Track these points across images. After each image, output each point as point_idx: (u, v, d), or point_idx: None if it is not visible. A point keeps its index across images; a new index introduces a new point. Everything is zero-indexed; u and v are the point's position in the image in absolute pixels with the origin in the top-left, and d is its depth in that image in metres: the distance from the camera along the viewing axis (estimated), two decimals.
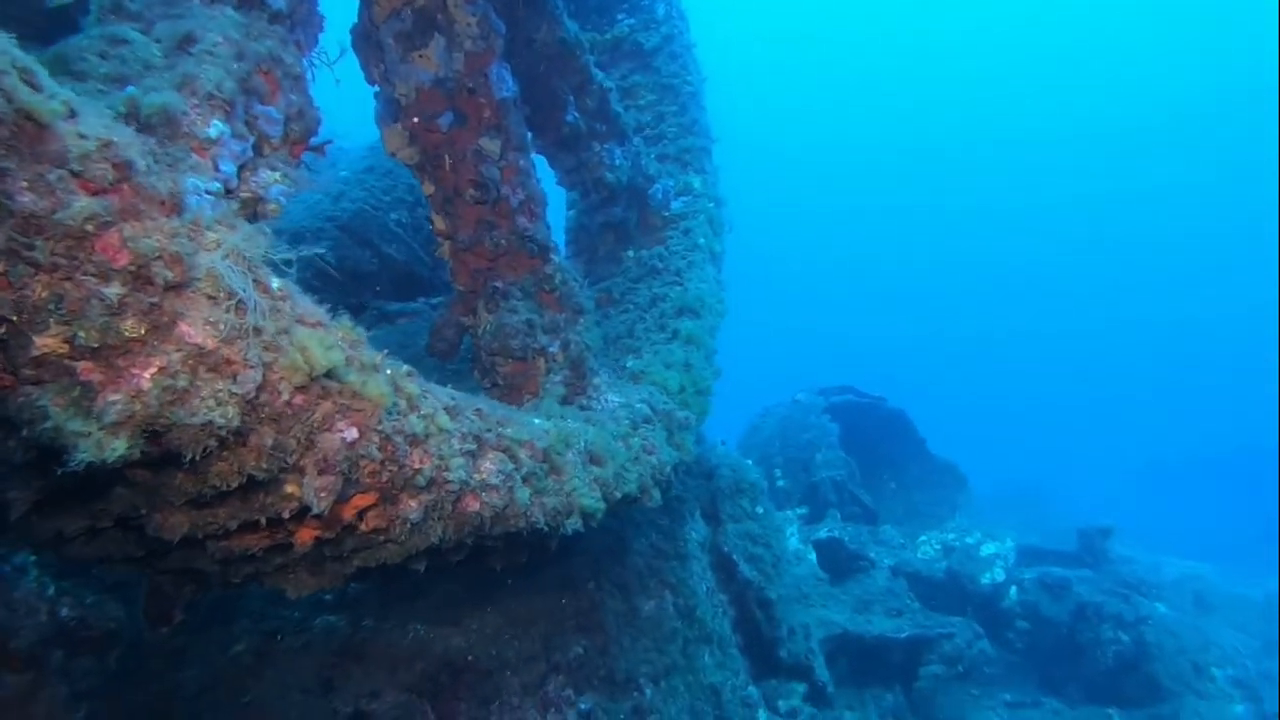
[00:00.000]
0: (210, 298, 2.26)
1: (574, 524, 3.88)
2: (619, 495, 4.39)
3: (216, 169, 2.79)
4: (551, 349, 5.29)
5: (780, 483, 13.98)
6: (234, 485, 2.51)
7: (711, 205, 7.53)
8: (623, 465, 4.49)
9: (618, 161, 7.23)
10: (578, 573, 6.28)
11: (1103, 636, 11.48)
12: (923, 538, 12.60)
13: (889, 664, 9.33)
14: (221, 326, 2.26)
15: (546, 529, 3.74)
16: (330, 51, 4.19)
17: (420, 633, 5.42)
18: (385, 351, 2.90)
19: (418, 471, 2.94)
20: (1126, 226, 73.15)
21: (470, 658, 5.47)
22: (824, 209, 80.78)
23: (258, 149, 3.21)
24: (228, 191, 2.93)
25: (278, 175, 3.10)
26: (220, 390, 2.25)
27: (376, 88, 5.10)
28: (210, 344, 2.23)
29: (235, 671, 5.20)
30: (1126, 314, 72.96)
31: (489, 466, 3.36)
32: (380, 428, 2.74)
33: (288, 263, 2.56)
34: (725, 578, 7.74)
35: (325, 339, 2.45)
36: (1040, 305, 76.43)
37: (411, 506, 3.00)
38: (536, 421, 3.98)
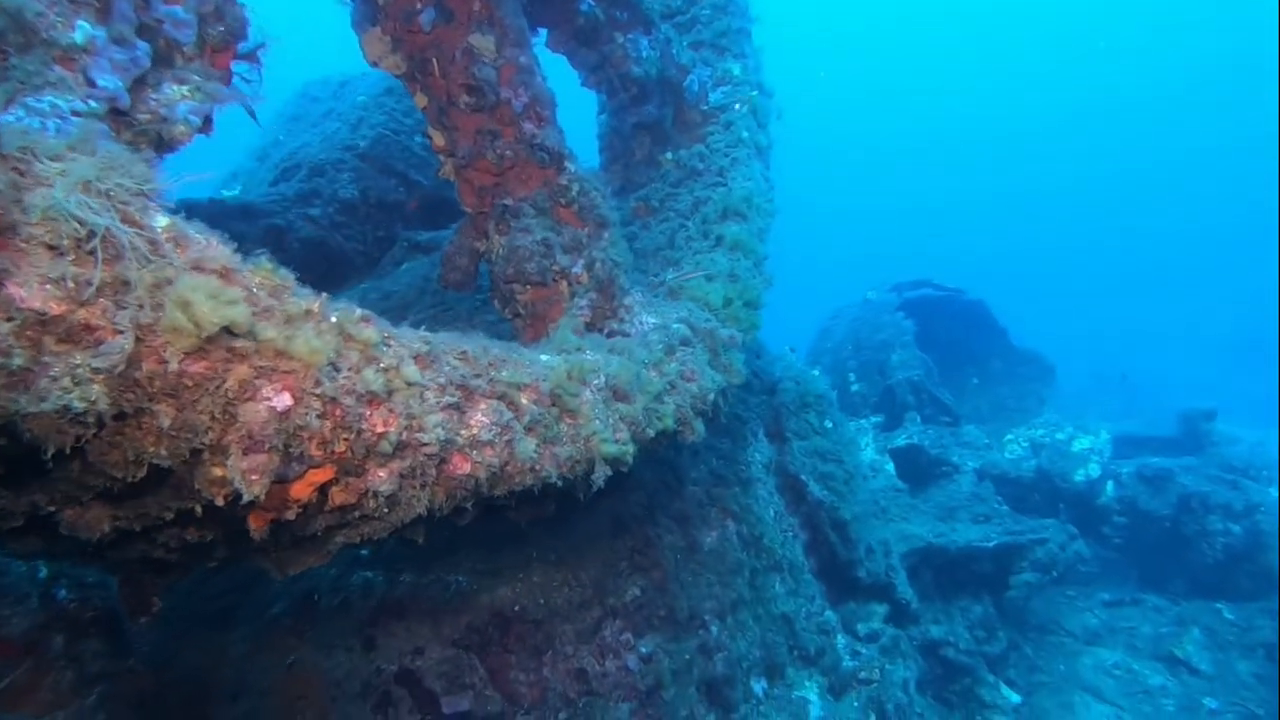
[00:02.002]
0: (51, 247, 1.76)
1: (600, 475, 3.38)
2: (652, 434, 3.86)
3: (90, 83, 2.26)
4: (574, 270, 4.71)
5: (855, 387, 13.29)
6: (139, 476, 2.06)
7: (754, 94, 6.70)
8: (656, 397, 3.95)
9: (644, 53, 6.45)
10: (629, 509, 5.85)
11: (1210, 528, 10.61)
12: (1009, 436, 11.77)
13: (977, 574, 8.75)
14: (69, 284, 1.76)
15: (562, 483, 3.25)
16: None
17: (463, 584, 5.09)
18: (322, 295, 2.37)
19: (381, 436, 2.45)
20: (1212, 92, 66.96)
21: (518, 608, 5.14)
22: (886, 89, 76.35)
23: (166, 59, 2.66)
24: (117, 112, 2.40)
25: (186, 90, 2.55)
26: (77, 366, 1.77)
27: None
28: (54, 308, 1.74)
29: (276, 633, 4.99)
30: (1210, 175, 67.49)
31: (480, 420, 2.85)
32: (320, 390, 2.24)
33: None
34: (794, 499, 7.23)
35: (219, 290, 1.93)
36: (1113, 176, 71.31)
37: (381, 477, 2.53)
38: (544, 358, 3.44)
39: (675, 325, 4.63)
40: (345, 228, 7.68)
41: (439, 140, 4.72)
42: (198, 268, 2.03)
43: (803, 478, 7.08)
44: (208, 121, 2.68)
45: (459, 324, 6.63)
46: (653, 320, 4.74)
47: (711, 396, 4.41)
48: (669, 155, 6.86)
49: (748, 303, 5.18)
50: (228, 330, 1.99)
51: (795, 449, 7.20)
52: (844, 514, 7.04)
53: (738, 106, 6.66)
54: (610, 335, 4.68)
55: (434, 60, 4.42)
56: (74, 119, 2.14)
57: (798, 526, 7.20)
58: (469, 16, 4.41)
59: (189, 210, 5.54)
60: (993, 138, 75.55)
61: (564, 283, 4.70)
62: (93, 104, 2.23)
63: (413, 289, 6.96)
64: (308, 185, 7.50)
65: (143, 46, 2.41)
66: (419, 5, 4.29)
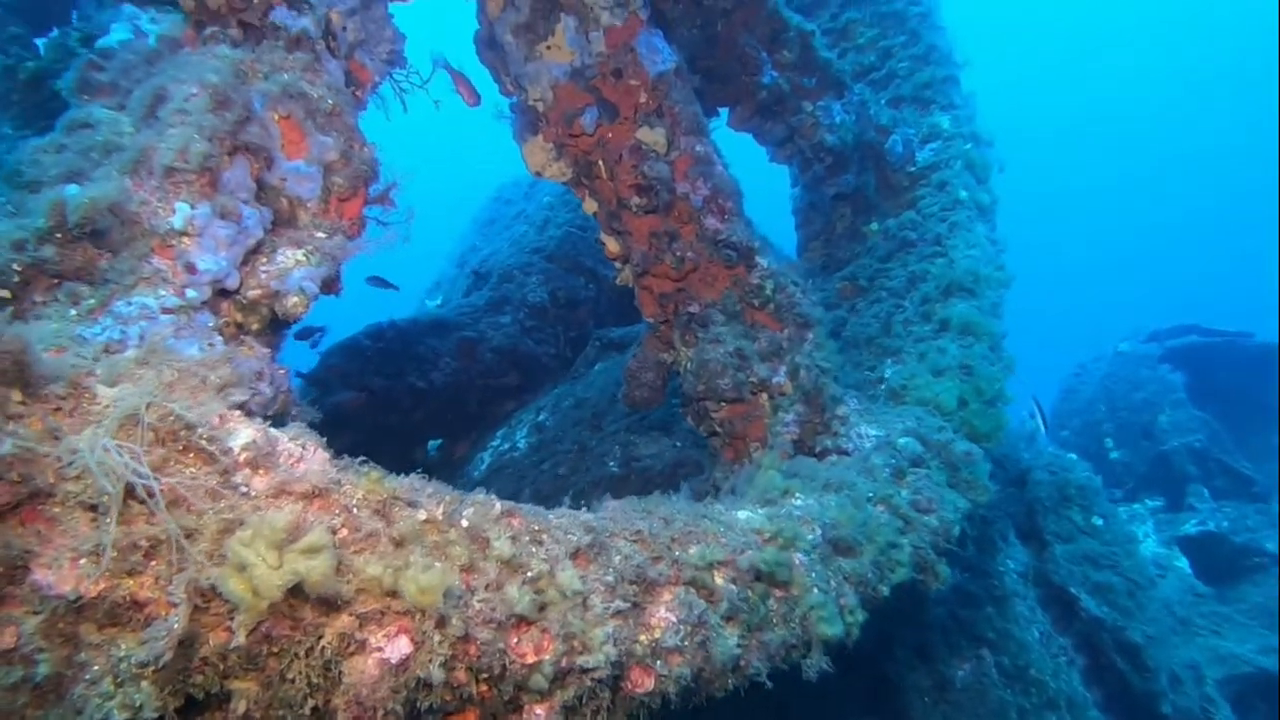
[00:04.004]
0: (90, 507, 1.38)
1: (817, 663, 2.66)
2: (886, 591, 3.09)
3: (190, 269, 1.96)
4: (775, 379, 4.07)
5: (1114, 455, 11.45)
6: None
7: (969, 147, 5.83)
8: (887, 543, 3.17)
9: (838, 119, 5.81)
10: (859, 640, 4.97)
11: None
12: None
13: None
14: (109, 553, 1.37)
15: (770, 677, 2.56)
16: (422, 68, 3.35)
17: None
18: (447, 497, 1.88)
19: (533, 668, 1.90)
20: None
21: None
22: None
23: (289, 218, 2.37)
24: (225, 292, 2.10)
25: (301, 254, 2.23)
26: (119, 662, 1.36)
27: (511, 98, 4.22)
28: (90, 589, 1.35)
29: None
30: None
31: (664, 618, 2.25)
32: (448, 630, 1.73)
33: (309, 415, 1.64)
34: (1063, 614, 5.98)
35: (292, 535, 1.48)
36: None
37: (539, 715, 1.98)
38: (742, 516, 2.80)
39: (902, 440, 3.83)
40: (536, 331, 7.54)
41: (613, 247, 4.31)
42: (282, 493, 1.60)
43: (1072, 590, 5.84)
44: (333, 281, 2.35)
45: (654, 431, 6.16)
46: (874, 433, 3.97)
47: (956, 530, 3.54)
48: (874, 226, 6.10)
49: (988, 400, 4.26)
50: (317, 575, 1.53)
51: (1058, 554, 5.98)
52: (1133, 634, 5.70)
53: (951, 163, 5.80)
54: (823, 454, 3.96)
55: (599, 162, 4.04)
56: (164, 318, 1.83)
57: (1071, 648, 5.93)
58: (634, 110, 4.00)
59: (380, 335, 5.29)
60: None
61: (764, 395, 4.07)
62: (191, 293, 1.92)
63: (605, 395, 6.61)
64: (497, 293, 7.45)
65: (252, 215, 2.11)
66: (580, 106, 3.93)
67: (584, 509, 2.48)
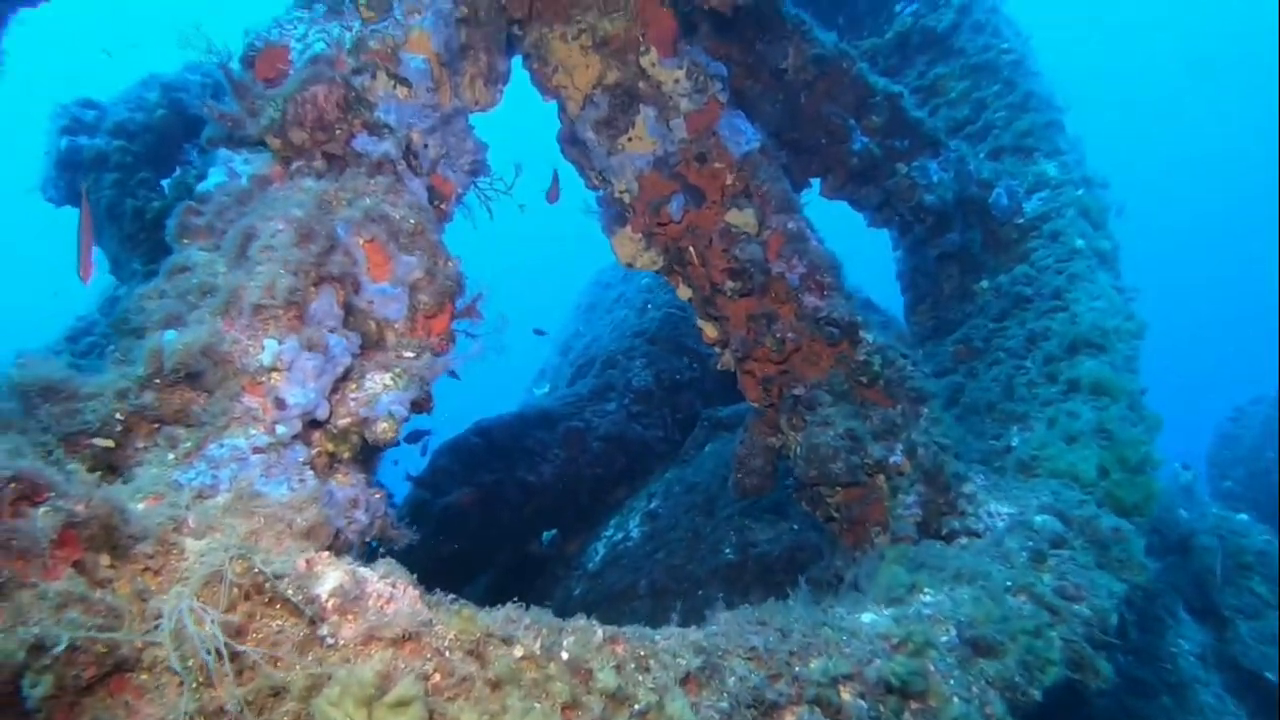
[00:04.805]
0: (176, 672, 1.34)
1: None
2: (1037, 694, 2.75)
3: (279, 405, 1.97)
4: (892, 459, 3.82)
5: None
6: None
7: (1080, 192, 5.51)
8: (1034, 640, 2.84)
9: (935, 177, 5.61)
10: None
11: None
12: None
13: None
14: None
15: None
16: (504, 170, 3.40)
17: None
18: (543, 629, 1.77)
19: None
20: None
21: None
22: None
23: (378, 341, 2.38)
24: (315, 423, 2.10)
25: (389, 378, 2.21)
26: None
27: (598, 192, 4.25)
28: None
29: None
30: None
31: None
32: None
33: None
34: (1262, 705, 5.26)
35: (379, 690, 1.40)
36: None
37: None
38: (866, 620, 2.57)
39: (1039, 518, 3.49)
40: (643, 416, 7.47)
41: (710, 332, 4.21)
42: (371, 639, 1.53)
43: (1269, 676, 5.14)
44: (423, 401, 2.33)
45: (769, 515, 5.92)
46: (1006, 511, 3.65)
47: (1113, 618, 3.16)
48: (985, 284, 5.79)
49: (1133, 467, 3.86)
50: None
51: (1244, 633, 5.30)
52: None
53: (1063, 212, 5.48)
54: (951, 536, 3.66)
55: (690, 248, 3.98)
56: (254, 458, 1.83)
57: None
58: (722, 193, 3.94)
59: (487, 432, 5.28)
60: None
61: (881, 477, 3.82)
62: (280, 429, 1.92)
63: (716, 478, 6.42)
64: (601, 379, 7.45)
65: (339, 344, 2.12)
66: (666, 194, 3.90)
67: (694, 621, 2.33)
